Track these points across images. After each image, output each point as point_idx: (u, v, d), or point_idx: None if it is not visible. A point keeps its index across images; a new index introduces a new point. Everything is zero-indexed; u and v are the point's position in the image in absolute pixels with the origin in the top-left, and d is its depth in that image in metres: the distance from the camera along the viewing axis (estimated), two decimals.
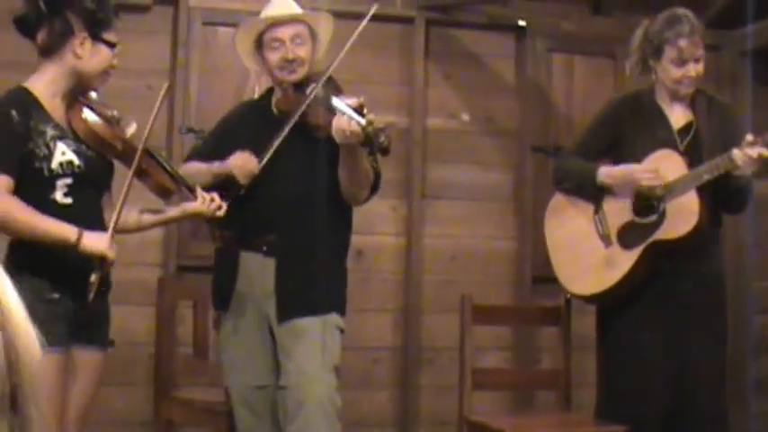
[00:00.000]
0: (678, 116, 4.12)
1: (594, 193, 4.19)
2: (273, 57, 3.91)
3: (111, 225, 3.30)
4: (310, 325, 3.82)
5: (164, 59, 5.41)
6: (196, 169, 3.97)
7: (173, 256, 5.31)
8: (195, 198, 3.58)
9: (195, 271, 5.16)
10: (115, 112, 3.45)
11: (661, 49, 4.05)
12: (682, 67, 4.01)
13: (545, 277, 4.93)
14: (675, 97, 4.12)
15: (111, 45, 3.35)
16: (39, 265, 3.20)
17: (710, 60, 5.80)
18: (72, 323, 3.25)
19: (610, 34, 5.88)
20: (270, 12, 3.97)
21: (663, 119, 4.11)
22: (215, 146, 4.04)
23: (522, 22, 5.83)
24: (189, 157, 4.18)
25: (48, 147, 3.22)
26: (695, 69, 4.01)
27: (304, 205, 3.85)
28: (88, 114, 3.35)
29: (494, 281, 5.73)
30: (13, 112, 3.19)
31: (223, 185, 3.83)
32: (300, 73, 3.89)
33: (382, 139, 3.51)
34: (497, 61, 5.89)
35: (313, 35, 3.97)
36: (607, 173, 4.14)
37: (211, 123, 5.18)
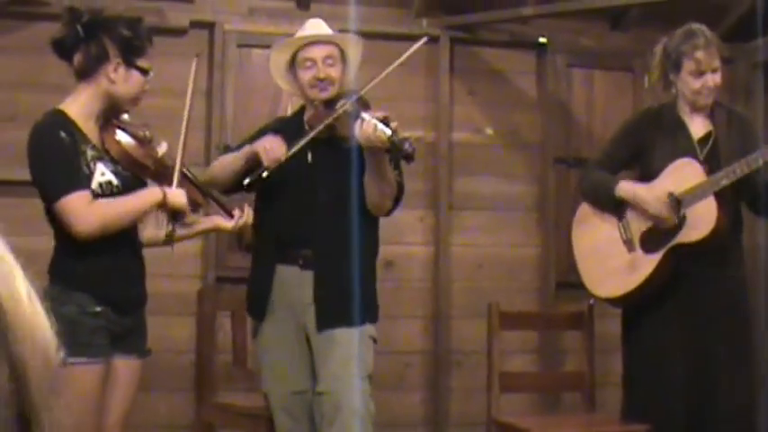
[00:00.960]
0: (698, 127, 4.22)
1: (617, 203, 4.30)
2: (306, 76, 4.03)
3: (176, 176, 3.49)
4: (346, 335, 3.92)
5: (200, 80, 5.55)
6: (228, 159, 4.12)
7: (212, 268, 5.47)
8: (231, 216, 3.74)
9: (233, 282, 5.32)
10: (147, 133, 3.54)
11: (680, 63, 4.16)
12: (700, 78, 4.12)
13: (568, 283, 5.05)
14: (695, 109, 4.21)
15: (144, 71, 3.44)
16: (82, 281, 3.29)
17: (724, 72, 5.91)
18: (113, 334, 3.37)
19: (628, 49, 6.03)
20: (303, 33, 4.12)
21: (683, 130, 4.20)
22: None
23: (542, 40, 5.99)
24: (221, 155, 4.33)
25: (88, 167, 3.31)
26: (713, 80, 4.12)
27: (337, 217, 3.93)
28: (121, 136, 3.43)
29: (519, 287, 5.86)
30: (62, 134, 3.28)
31: (249, 169, 3.94)
32: (331, 92, 4.01)
33: (407, 145, 3.59)
34: (519, 77, 6.04)
35: (344, 57, 4.10)
36: (624, 188, 4.25)
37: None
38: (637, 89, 5.92)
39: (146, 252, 3.69)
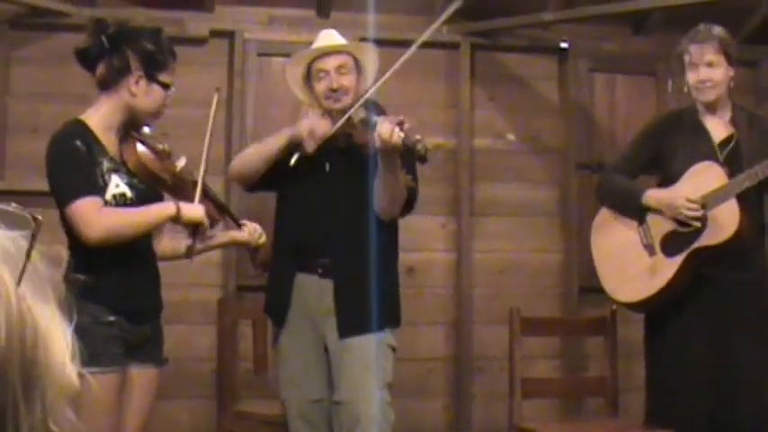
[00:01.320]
0: (719, 130, 4.18)
1: (641, 210, 4.27)
2: (320, 86, 4.07)
3: (198, 191, 3.50)
4: (365, 343, 3.94)
5: (221, 89, 5.61)
6: (258, 148, 4.18)
7: (232, 277, 5.49)
8: (240, 227, 3.75)
9: (254, 290, 5.33)
10: (166, 146, 3.53)
11: (682, 60, 4.17)
12: (695, 71, 4.11)
13: (591, 288, 5.02)
14: (711, 110, 4.18)
15: (166, 86, 3.43)
16: (95, 292, 3.26)
17: (748, 75, 5.96)
18: (128, 344, 3.37)
19: (651, 53, 6.02)
20: (317, 44, 4.14)
21: (703, 132, 4.18)
22: None
23: (563, 45, 5.99)
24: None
25: (103, 178, 3.31)
26: (705, 74, 4.08)
27: (356, 226, 3.95)
28: (140, 148, 3.42)
29: (541, 293, 5.86)
30: (78, 143, 3.28)
31: (289, 153, 3.98)
32: (345, 101, 4.03)
33: (420, 147, 3.61)
34: (541, 82, 6.04)
35: (358, 66, 4.12)
36: (651, 196, 4.21)
37: None
38: (660, 93, 5.90)
39: (167, 261, 3.70)
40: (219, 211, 3.70)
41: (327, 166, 4.04)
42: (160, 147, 3.49)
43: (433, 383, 5.71)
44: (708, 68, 4.09)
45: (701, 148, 4.15)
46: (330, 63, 4.06)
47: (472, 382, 5.76)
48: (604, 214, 4.43)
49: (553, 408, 5.66)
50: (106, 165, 3.33)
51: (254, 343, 4.86)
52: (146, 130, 3.51)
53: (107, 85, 3.39)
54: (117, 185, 3.33)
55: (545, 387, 5.01)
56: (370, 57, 4.18)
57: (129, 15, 5.47)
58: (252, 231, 3.77)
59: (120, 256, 3.34)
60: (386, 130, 3.67)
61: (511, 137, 5.98)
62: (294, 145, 4.00)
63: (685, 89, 4.22)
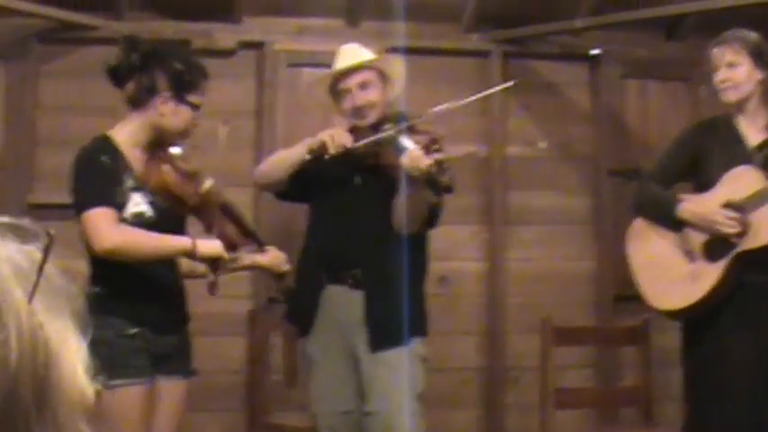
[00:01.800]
0: (754, 134, 4.14)
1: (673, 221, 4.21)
2: (345, 105, 4.12)
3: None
4: (397, 356, 3.95)
5: (250, 101, 5.62)
6: (285, 153, 4.22)
7: (263, 289, 5.44)
8: (264, 252, 3.71)
9: (285, 301, 5.38)
10: (193, 167, 3.51)
11: (710, 65, 4.16)
12: (716, 73, 4.10)
13: (626, 296, 4.98)
14: (745, 114, 4.13)
15: (195, 107, 3.44)
16: (117, 306, 3.29)
17: None
18: (154, 355, 3.37)
19: (684, 58, 5.95)
20: (337, 62, 4.16)
21: (738, 137, 4.14)
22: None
23: (595, 51, 5.94)
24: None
25: (124, 195, 3.33)
26: (725, 73, 4.06)
27: (386, 237, 3.97)
28: (165, 169, 3.40)
29: (575, 301, 5.81)
30: (104, 158, 3.31)
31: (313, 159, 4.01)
32: (372, 116, 4.07)
33: (445, 178, 3.62)
34: (572, 89, 6.00)
35: (384, 77, 4.14)
36: (687, 209, 4.14)
37: None
38: (693, 99, 5.84)
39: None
40: (244, 233, 3.66)
41: (358, 179, 4.06)
42: (187, 168, 3.48)
43: (466, 394, 5.67)
44: (727, 69, 4.06)
45: (737, 152, 4.11)
46: (352, 81, 4.09)
47: (505, 393, 5.71)
48: (640, 222, 4.37)
49: (587, 418, 5.59)
50: (129, 182, 3.33)
51: (283, 355, 4.86)
52: (174, 150, 3.49)
53: (136, 103, 3.40)
54: (137, 204, 3.33)
55: (577, 397, 4.96)
56: (395, 67, 4.19)
57: (158, 28, 5.50)
58: (275, 257, 3.73)
59: (142, 268, 3.32)
60: (414, 159, 3.70)
61: (543, 144, 5.94)
62: (318, 153, 3.99)
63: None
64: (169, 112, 3.38)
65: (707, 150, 4.18)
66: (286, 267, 3.77)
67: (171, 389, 3.49)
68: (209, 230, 3.54)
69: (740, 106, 4.13)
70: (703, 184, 4.18)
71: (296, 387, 4.77)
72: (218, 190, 3.59)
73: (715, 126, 4.23)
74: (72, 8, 5.34)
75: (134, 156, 3.39)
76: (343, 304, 4.00)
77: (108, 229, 3.23)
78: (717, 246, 4.03)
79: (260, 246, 3.71)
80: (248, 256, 3.75)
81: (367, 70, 4.10)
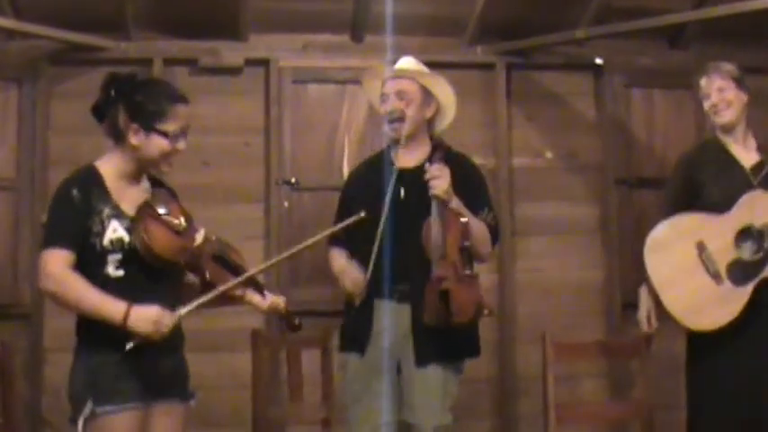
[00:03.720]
0: (748, 156, 4.30)
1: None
2: (382, 109, 4.18)
3: (180, 313, 3.31)
4: (441, 371, 4.02)
5: (258, 117, 5.67)
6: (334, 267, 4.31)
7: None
8: (263, 296, 3.56)
9: (296, 316, 5.40)
10: (182, 220, 3.42)
11: (699, 95, 4.40)
12: (708, 99, 4.32)
13: (634, 304, 4.97)
14: (734, 137, 4.32)
15: (166, 134, 3.35)
16: (106, 334, 3.21)
17: None
18: (147, 380, 3.31)
19: (688, 66, 5.93)
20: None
21: (732, 160, 4.29)
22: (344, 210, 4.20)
23: (599, 61, 5.98)
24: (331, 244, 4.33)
25: (102, 224, 3.27)
26: (717, 96, 4.30)
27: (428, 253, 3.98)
28: (153, 232, 3.31)
29: (585, 311, 5.85)
30: (74, 191, 3.26)
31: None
32: (402, 131, 4.10)
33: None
34: (577, 99, 6.04)
35: (427, 95, 4.17)
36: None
37: (305, 175, 5.44)
38: (698, 107, 5.82)
39: None
40: (245, 282, 3.50)
41: (402, 193, 4.08)
42: (176, 222, 3.39)
43: (479, 405, 5.70)
44: (718, 92, 4.30)
45: (735, 174, 4.25)
46: (391, 87, 4.15)
47: (517, 403, 5.75)
48: (659, 236, 4.33)
49: (597, 429, 5.63)
50: (107, 211, 3.29)
51: (288, 372, 4.84)
52: (161, 210, 3.38)
53: (113, 137, 3.39)
54: (115, 230, 3.28)
55: (580, 412, 4.85)
56: (441, 88, 4.22)
57: (165, 47, 5.56)
58: (274, 303, 3.62)
59: (131, 296, 3.26)
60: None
61: (549, 155, 5.98)
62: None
63: (708, 127, 4.49)
64: (142, 144, 3.33)
65: (701, 177, 4.29)
66: (284, 311, 3.66)
67: (167, 414, 3.41)
68: (203, 282, 3.45)
69: (730, 129, 4.30)
70: (708, 207, 4.24)
71: (301, 403, 4.78)
72: (212, 237, 3.51)
73: (706, 151, 4.38)
74: (82, 30, 5.41)
75: (118, 186, 3.36)
76: (391, 318, 4.03)
77: (51, 273, 3.21)
78: (741, 269, 4.12)
79: (260, 291, 3.56)
80: (246, 294, 3.58)
81: (410, 81, 4.15)
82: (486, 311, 4.05)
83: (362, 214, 3.85)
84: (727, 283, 4.11)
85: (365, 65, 5.69)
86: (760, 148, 4.32)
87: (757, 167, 4.25)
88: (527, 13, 5.78)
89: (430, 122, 4.23)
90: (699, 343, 4.25)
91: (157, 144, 3.34)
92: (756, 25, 5.68)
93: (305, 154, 5.62)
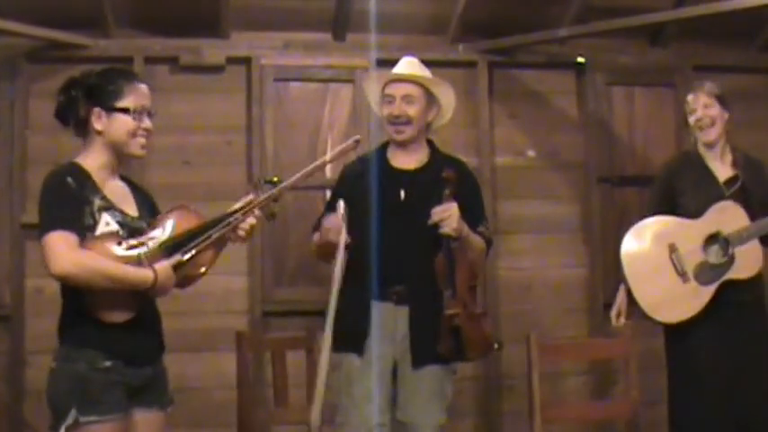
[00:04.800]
0: (723, 170, 4.57)
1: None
2: (385, 111, 4.15)
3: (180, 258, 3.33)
4: (436, 371, 4.03)
5: (240, 115, 5.65)
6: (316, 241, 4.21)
7: (258, 303, 5.50)
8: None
9: (280, 316, 5.40)
10: (141, 252, 3.29)
11: (685, 111, 4.65)
12: (693, 114, 4.59)
13: None
14: (714, 152, 4.57)
15: (127, 111, 3.34)
16: (91, 338, 3.20)
17: (766, 81, 6.01)
18: (129, 388, 3.28)
19: (668, 64, 6.06)
20: (394, 70, 4.21)
21: (709, 172, 4.56)
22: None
23: (580, 59, 6.00)
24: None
25: (93, 216, 3.25)
26: (702, 112, 4.57)
27: (425, 255, 3.97)
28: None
29: (567, 308, 5.87)
30: (69, 179, 3.24)
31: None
32: (407, 133, 4.11)
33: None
34: (559, 97, 6.06)
35: (431, 99, 4.18)
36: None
37: (287, 174, 5.35)
38: (679, 104, 5.86)
39: (193, 288, 3.60)
40: (219, 241, 3.50)
41: (402, 194, 4.08)
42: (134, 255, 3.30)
43: (463, 403, 5.67)
44: (704, 109, 4.57)
45: (709, 186, 4.53)
46: (396, 90, 4.14)
47: (501, 401, 5.76)
48: (636, 234, 4.56)
49: (582, 428, 5.66)
50: (98, 203, 3.27)
51: (273, 373, 4.79)
52: (121, 245, 3.28)
53: (81, 133, 3.37)
54: (107, 223, 3.27)
55: (565, 410, 4.91)
56: (445, 92, 4.23)
57: (145, 45, 5.52)
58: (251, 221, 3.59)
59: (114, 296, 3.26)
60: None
61: (531, 153, 5.99)
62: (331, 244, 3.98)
63: (692, 139, 4.65)
64: (106, 126, 3.32)
65: (680, 183, 4.59)
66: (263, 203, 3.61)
67: (148, 422, 3.39)
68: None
69: (712, 145, 4.57)
70: (684, 214, 4.51)
71: (286, 405, 4.73)
72: (190, 260, 3.39)
73: (687, 159, 4.66)
74: (61, 28, 5.36)
75: (102, 177, 3.34)
76: (389, 319, 4.02)
77: (64, 255, 3.15)
78: (707, 271, 4.40)
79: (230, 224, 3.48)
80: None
81: (415, 85, 4.15)
82: (495, 346, 4.12)
83: (358, 138, 3.83)
84: (693, 283, 4.41)
85: (347, 63, 5.76)
86: (735, 163, 4.58)
87: (731, 181, 4.54)
88: (509, 12, 5.79)
89: (428, 124, 4.23)
90: (673, 334, 4.52)
91: (121, 122, 3.32)
92: (735, 24, 5.72)
93: (287, 153, 5.60)
